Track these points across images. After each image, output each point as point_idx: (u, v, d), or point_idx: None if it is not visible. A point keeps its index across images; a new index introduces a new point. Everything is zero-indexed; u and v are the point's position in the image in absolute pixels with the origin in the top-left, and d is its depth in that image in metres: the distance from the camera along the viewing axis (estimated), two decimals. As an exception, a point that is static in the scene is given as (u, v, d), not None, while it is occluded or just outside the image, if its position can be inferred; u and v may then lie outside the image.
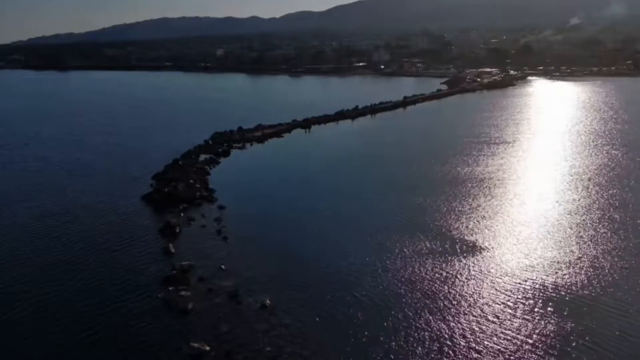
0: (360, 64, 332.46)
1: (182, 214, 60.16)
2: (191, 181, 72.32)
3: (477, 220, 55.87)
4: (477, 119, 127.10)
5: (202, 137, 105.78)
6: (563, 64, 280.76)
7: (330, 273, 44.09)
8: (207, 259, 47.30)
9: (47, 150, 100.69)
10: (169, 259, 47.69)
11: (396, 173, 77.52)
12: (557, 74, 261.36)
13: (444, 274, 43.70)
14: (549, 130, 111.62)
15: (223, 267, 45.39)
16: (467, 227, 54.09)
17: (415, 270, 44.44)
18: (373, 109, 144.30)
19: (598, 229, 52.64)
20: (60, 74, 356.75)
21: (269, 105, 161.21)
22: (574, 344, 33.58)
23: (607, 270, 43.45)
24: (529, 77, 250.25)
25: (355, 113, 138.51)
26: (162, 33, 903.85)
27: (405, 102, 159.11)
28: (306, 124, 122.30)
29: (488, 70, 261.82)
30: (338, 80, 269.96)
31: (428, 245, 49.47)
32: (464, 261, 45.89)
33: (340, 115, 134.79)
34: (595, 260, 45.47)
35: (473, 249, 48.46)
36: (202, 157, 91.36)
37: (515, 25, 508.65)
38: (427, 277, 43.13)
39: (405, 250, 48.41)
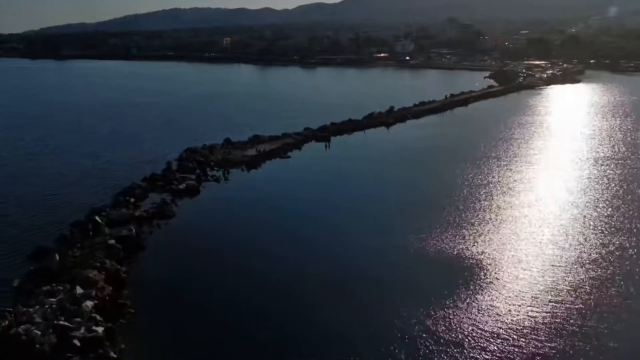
0: (382, 54, 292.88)
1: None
2: (91, 275, 34.58)
3: None
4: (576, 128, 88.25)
5: (167, 156, 69.07)
6: (620, 57, 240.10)
7: None
8: None
9: None
10: None
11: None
12: (620, 68, 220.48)
13: None
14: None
15: None
16: None
17: None
18: (415, 112, 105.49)
19: None
20: (53, 63, 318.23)
21: (274, 104, 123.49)
22: None
23: None
24: (586, 72, 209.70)
25: (391, 117, 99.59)
26: (173, 23, 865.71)
27: (453, 102, 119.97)
28: (323, 134, 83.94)
29: (536, 63, 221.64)
30: (357, 72, 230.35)
31: None
32: None
33: (371, 121, 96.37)
34: None
35: None
36: (151, 198, 53.82)
37: (534, 19, 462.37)
38: None
39: None
